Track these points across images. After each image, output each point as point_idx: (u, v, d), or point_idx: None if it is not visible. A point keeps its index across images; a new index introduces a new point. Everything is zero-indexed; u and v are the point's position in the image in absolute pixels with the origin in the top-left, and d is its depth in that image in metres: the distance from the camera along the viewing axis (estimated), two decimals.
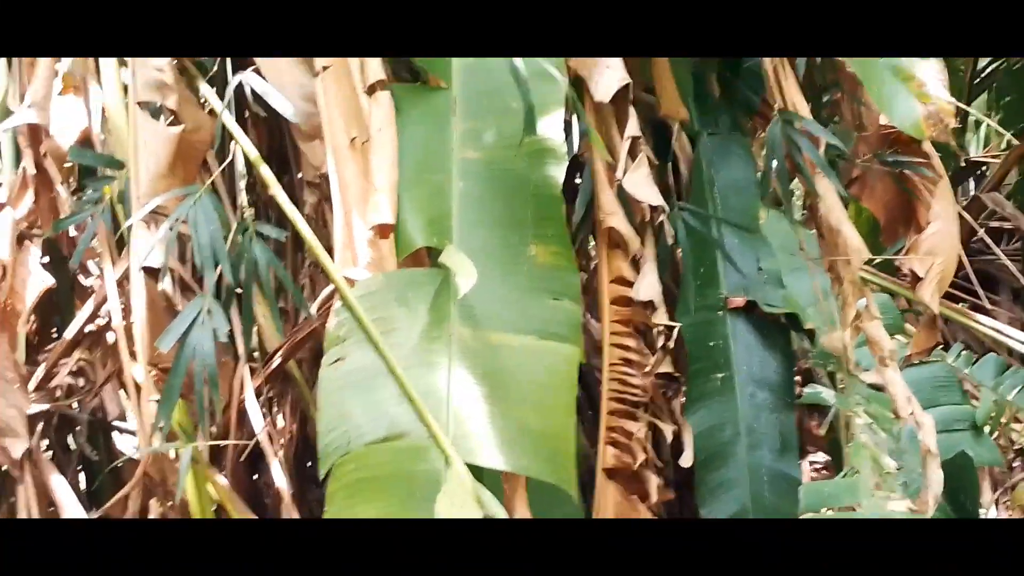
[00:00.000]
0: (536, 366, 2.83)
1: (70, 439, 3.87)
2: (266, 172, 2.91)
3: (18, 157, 3.41)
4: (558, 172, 2.93)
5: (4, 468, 3.34)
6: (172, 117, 3.09)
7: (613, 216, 3.13)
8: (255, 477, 3.89)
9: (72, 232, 3.50)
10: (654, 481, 3.04)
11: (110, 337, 3.29)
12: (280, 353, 3.25)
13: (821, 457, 4.65)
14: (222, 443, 3.16)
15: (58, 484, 3.27)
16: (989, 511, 3.65)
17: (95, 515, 3.19)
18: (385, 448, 2.68)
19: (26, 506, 3.24)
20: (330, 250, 2.88)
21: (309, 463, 3.64)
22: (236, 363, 3.11)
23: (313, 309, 3.09)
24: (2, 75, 3.47)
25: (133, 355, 3.04)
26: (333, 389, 2.71)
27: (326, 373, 2.72)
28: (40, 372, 3.31)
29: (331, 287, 2.86)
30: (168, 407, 2.81)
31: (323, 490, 2.69)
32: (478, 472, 2.67)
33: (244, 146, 2.94)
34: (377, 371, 2.72)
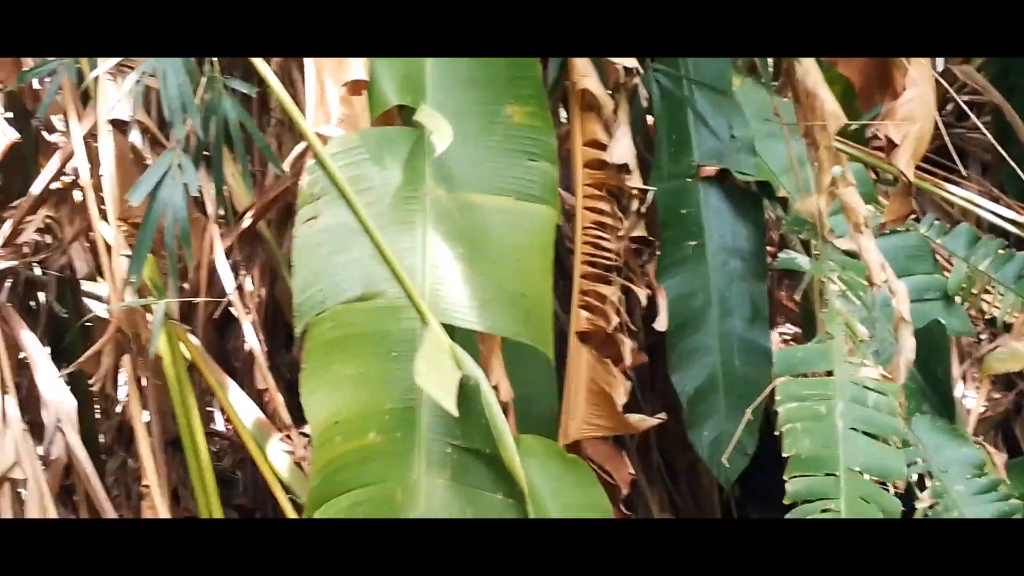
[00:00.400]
0: (512, 227, 2.82)
1: (39, 297, 3.81)
2: None
3: None
4: None
5: None
6: None
7: (587, 78, 3.08)
8: (224, 342, 3.86)
9: (36, 85, 3.42)
10: (627, 345, 3.03)
11: (77, 196, 3.22)
12: (251, 213, 3.20)
13: (790, 328, 4.66)
14: (194, 300, 3.12)
15: (29, 340, 3.23)
16: (957, 384, 3.67)
17: (65, 372, 3.14)
18: (361, 307, 2.66)
19: None
20: (300, 108, 2.82)
21: (278, 326, 3.60)
22: (206, 222, 3.06)
23: (285, 167, 3.04)
24: None
25: (102, 212, 2.99)
26: (309, 247, 2.68)
27: (302, 231, 2.68)
28: (6, 229, 3.24)
29: (302, 145, 2.81)
30: (139, 261, 2.77)
31: (294, 353, 2.67)
32: (452, 333, 2.66)
33: None
34: (352, 230, 2.69)
